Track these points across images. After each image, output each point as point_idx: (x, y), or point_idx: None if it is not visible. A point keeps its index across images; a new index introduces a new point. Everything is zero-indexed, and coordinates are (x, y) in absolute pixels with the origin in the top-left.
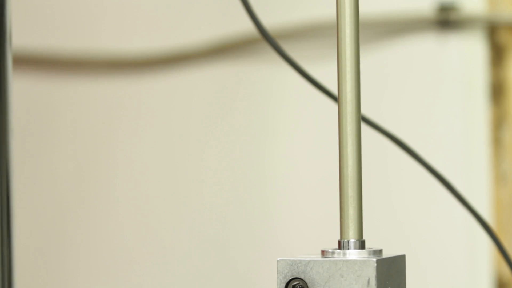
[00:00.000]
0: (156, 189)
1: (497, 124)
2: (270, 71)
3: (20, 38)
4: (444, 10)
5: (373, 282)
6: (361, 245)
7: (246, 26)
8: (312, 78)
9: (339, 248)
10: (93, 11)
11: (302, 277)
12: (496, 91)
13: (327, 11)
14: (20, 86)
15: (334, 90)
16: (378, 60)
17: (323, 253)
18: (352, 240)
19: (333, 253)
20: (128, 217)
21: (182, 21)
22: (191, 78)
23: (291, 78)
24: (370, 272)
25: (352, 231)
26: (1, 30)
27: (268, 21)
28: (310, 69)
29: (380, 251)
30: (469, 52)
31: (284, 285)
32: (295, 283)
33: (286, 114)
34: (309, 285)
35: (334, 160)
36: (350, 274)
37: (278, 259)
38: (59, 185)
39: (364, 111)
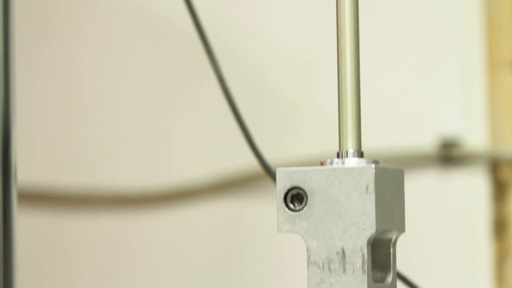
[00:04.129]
0: None
1: (500, 260)
2: (273, 206)
3: (25, 174)
4: (447, 146)
5: (371, 188)
6: (360, 154)
7: (249, 162)
8: None
9: (338, 158)
10: (97, 147)
11: (301, 186)
12: (499, 227)
13: (329, 147)
14: (24, 221)
15: None
16: None
17: (322, 163)
18: (350, 150)
19: (331, 162)
20: None
21: (185, 157)
22: (195, 214)
23: None
24: (369, 178)
25: (351, 141)
26: (6, 166)
27: (271, 157)
28: None
29: (379, 161)
30: (471, 188)
31: (283, 194)
32: (294, 192)
33: (290, 249)
34: (308, 193)
35: None
36: (349, 181)
37: (277, 169)
38: None
39: None
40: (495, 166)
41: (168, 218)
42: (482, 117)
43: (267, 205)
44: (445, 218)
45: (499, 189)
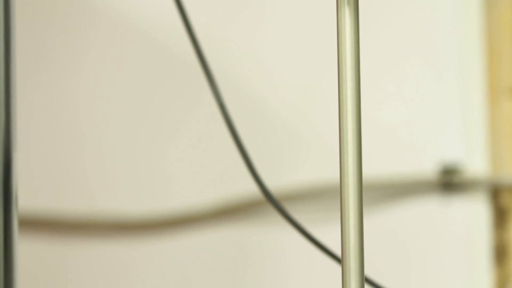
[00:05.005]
0: None
1: (501, 286)
2: (274, 233)
3: (26, 200)
4: (447, 172)
5: None
6: None
7: (250, 188)
8: (315, 240)
9: None
10: (98, 174)
11: None
12: (500, 253)
13: (331, 174)
14: (25, 248)
15: (338, 252)
16: (381, 222)
17: None
18: None
19: None
20: None
21: (186, 183)
22: (195, 240)
23: (295, 240)
24: None
25: (354, 285)
26: (7, 193)
27: (272, 183)
28: (314, 231)
29: None
30: (472, 215)
31: None
32: None
33: (291, 275)
34: None
35: None
36: None
37: None
38: None
39: (368, 271)
40: (495, 192)
41: (169, 245)
42: (482, 143)
43: (268, 231)
44: (445, 244)
45: (499, 216)
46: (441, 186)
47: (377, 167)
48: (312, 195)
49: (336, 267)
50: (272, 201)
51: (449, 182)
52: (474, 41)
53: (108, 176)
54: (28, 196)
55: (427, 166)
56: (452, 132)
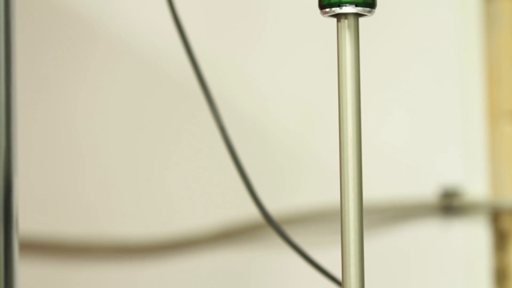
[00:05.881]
0: None
1: None
2: (274, 256)
3: (26, 223)
4: (448, 196)
5: None
6: None
7: (250, 212)
8: (316, 263)
9: None
10: (99, 197)
11: None
12: (500, 276)
13: (331, 197)
14: (26, 271)
15: (338, 275)
16: (382, 245)
17: None
18: None
19: None
20: None
21: (187, 207)
22: (196, 263)
23: (296, 263)
24: None
25: None
26: (8, 216)
27: (272, 207)
28: (314, 254)
29: None
30: (472, 238)
31: None
32: None
33: None
34: None
35: None
36: None
37: None
38: None
39: None
40: (495, 215)
41: (170, 268)
42: (482, 166)
43: (269, 255)
44: (446, 267)
45: (500, 239)
46: (441, 209)
47: (377, 190)
48: (313, 218)
49: None
50: (273, 224)
51: (449, 205)
52: (474, 64)
53: (109, 200)
54: (29, 220)
55: (427, 189)
56: (452, 155)
